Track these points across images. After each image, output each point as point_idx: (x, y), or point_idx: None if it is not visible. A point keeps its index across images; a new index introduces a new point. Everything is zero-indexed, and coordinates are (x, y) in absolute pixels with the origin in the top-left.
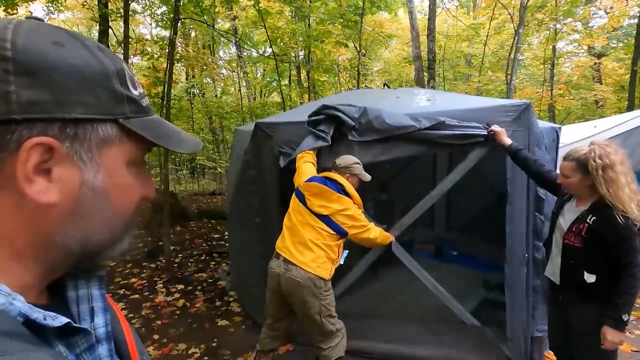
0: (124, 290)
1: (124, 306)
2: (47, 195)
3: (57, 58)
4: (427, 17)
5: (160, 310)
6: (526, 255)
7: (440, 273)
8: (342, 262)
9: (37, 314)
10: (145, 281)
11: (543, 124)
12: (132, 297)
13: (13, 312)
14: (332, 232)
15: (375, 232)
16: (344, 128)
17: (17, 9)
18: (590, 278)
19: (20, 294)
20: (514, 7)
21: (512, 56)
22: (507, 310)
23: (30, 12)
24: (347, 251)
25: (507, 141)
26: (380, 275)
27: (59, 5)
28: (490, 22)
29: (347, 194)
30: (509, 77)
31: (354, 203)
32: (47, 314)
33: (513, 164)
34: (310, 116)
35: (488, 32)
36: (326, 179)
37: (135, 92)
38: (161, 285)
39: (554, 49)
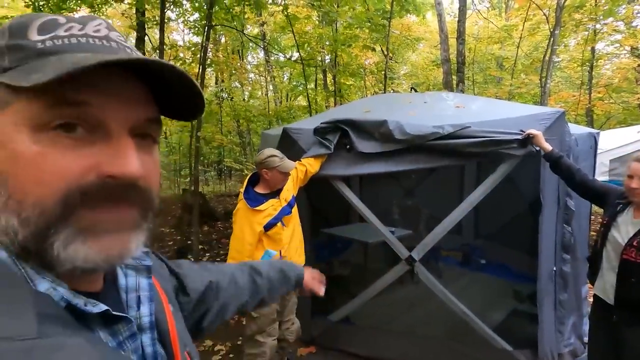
0: None
1: None
2: None
3: None
4: (456, 19)
5: None
6: (554, 269)
7: (468, 282)
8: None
9: (78, 300)
10: None
11: (580, 129)
12: None
13: (56, 297)
14: None
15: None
16: (351, 140)
17: None
18: None
19: None
20: (549, 8)
21: (547, 58)
22: (538, 330)
23: None
24: (274, 252)
25: (548, 146)
26: (405, 281)
27: (100, 14)
28: (524, 23)
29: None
30: (543, 80)
31: (243, 201)
32: (89, 301)
33: (546, 172)
34: (320, 124)
35: (521, 34)
36: None
37: (36, 37)
38: None
39: (593, 50)
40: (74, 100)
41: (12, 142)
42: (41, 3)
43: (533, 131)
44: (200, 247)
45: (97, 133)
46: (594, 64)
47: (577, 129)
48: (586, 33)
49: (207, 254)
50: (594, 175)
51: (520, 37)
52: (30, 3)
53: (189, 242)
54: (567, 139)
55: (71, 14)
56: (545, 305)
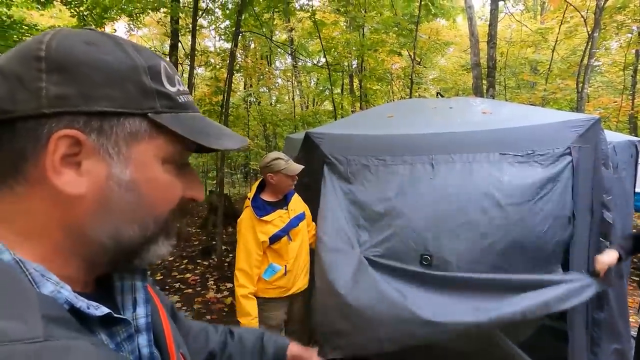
0: (179, 284)
1: (179, 299)
2: (75, 187)
3: (87, 55)
4: (487, 22)
5: (210, 306)
6: None
7: None
8: (265, 277)
9: (81, 303)
10: (198, 277)
11: (619, 137)
12: (186, 291)
13: (60, 300)
14: None
15: (242, 273)
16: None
17: (104, 27)
18: None
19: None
20: (587, 9)
21: (584, 62)
22: (569, 350)
23: (115, 29)
24: (278, 267)
25: (616, 256)
26: None
27: (138, 23)
28: (560, 26)
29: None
30: (580, 85)
31: (248, 207)
32: (91, 304)
33: (578, 182)
34: None
35: (557, 37)
36: None
37: (172, 89)
38: (212, 282)
39: (637, 53)
40: (192, 150)
41: (152, 170)
42: (85, 13)
43: (602, 263)
44: (223, 248)
45: (187, 168)
46: (638, 68)
47: (616, 137)
48: (629, 35)
49: (230, 255)
50: (634, 186)
51: (556, 41)
52: (76, 13)
53: (213, 242)
54: (603, 147)
55: (128, 36)
56: (577, 323)
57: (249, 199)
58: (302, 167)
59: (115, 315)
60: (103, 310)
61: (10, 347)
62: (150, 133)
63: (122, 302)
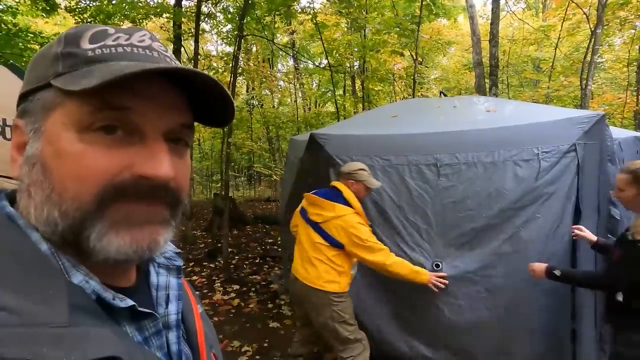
0: None
1: None
2: (14, 173)
3: (35, 55)
4: (489, 21)
5: (218, 308)
6: None
7: None
8: (352, 272)
9: (107, 294)
10: (205, 279)
11: (624, 133)
12: None
13: (88, 290)
14: (327, 243)
15: (386, 256)
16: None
17: None
18: (620, 297)
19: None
20: (590, 6)
21: (587, 59)
22: (577, 346)
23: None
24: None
25: (593, 239)
26: None
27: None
28: (562, 23)
29: (347, 203)
30: (584, 82)
31: (355, 212)
32: (117, 295)
33: (584, 179)
34: None
35: (559, 35)
36: (327, 189)
37: (90, 46)
38: (219, 284)
39: None
40: (116, 105)
41: (59, 140)
42: (89, 20)
43: (580, 232)
44: (229, 250)
45: (134, 136)
46: None
47: (621, 133)
48: (633, 31)
49: (237, 257)
50: None
51: (559, 38)
52: (80, 20)
53: (219, 244)
54: (609, 143)
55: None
56: (585, 320)
57: (349, 205)
58: (380, 184)
59: (139, 308)
60: (127, 302)
61: (35, 330)
62: (60, 100)
63: (157, 297)
